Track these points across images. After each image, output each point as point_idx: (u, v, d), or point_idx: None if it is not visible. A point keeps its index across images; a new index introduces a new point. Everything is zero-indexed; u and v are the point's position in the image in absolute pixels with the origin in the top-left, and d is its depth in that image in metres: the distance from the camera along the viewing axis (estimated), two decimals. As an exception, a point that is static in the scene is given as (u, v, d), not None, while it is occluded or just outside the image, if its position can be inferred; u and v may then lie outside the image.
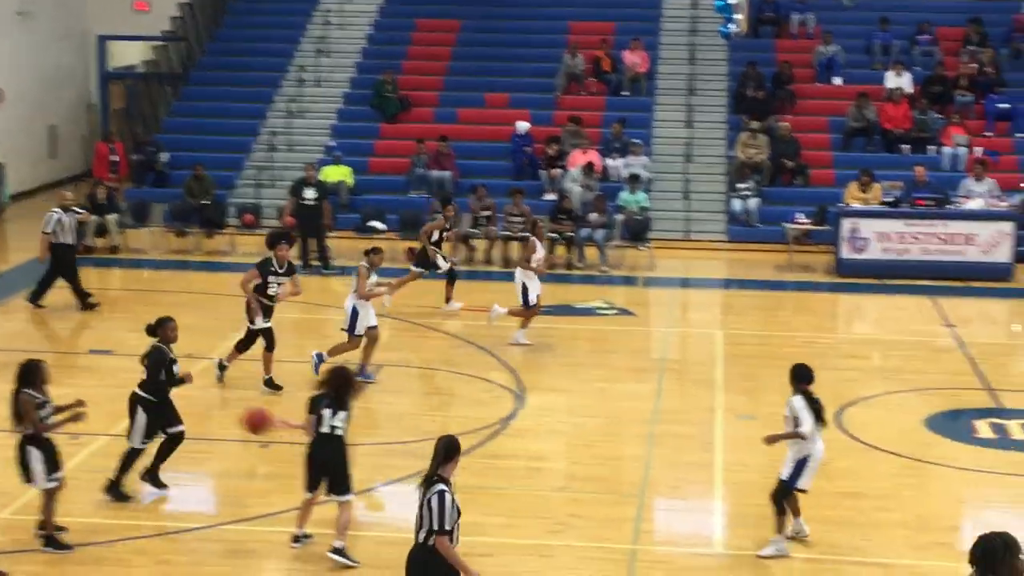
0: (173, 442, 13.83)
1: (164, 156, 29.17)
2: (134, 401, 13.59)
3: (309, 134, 30.46)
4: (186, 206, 27.04)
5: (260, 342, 17.52)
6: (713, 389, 17.88)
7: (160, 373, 13.57)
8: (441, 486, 9.74)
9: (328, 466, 12.26)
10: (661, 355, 20.05)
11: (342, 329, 17.81)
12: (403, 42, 33.06)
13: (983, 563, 7.42)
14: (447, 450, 9.88)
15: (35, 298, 21.71)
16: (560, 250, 25.58)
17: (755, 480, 14.57)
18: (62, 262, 21.65)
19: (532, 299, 19.45)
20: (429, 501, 9.69)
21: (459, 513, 9.81)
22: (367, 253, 18.09)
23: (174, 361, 13.68)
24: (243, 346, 17.68)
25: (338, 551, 12.26)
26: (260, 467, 14.83)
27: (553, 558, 12.37)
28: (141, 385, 13.63)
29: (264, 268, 17.42)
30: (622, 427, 16.58)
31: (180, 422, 13.80)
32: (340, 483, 12.30)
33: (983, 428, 16.43)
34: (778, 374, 18.52)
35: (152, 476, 13.89)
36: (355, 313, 17.60)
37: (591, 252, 25.69)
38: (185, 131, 30.94)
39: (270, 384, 17.31)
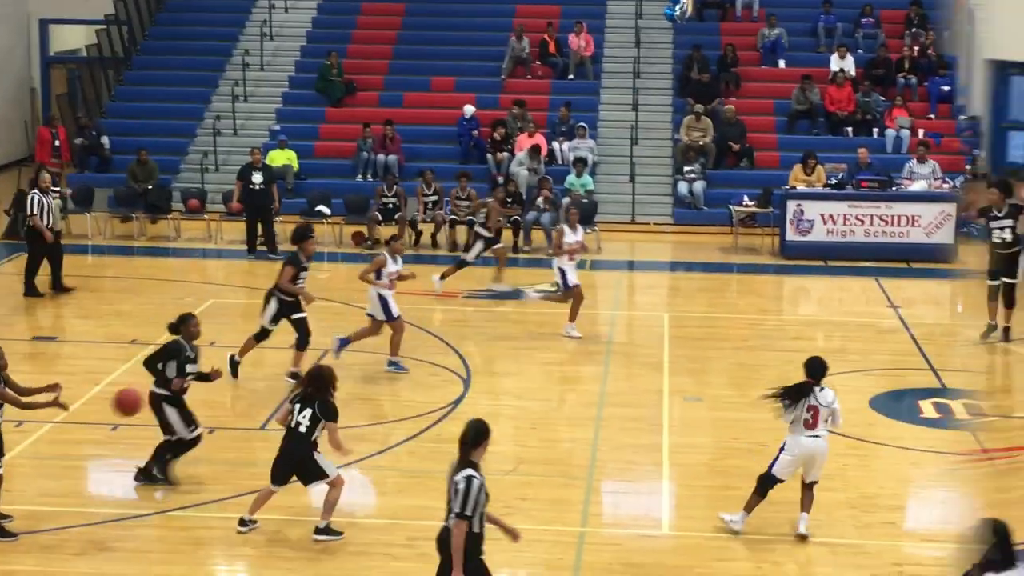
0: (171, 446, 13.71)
1: (104, 140, 28.91)
2: (155, 399, 13.42)
3: (254, 118, 30.30)
4: (130, 191, 26.85)
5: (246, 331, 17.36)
6: (660, 371, 17.95)
7: (162, 364, 13.39)
8: (470, 471, 9.72)
9: (293, 461, 12.27)
10: (608, 338, 20.10)
11: (383, 321, 17.62)
12: (348, 25, 32.93)
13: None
14: (476, 434, 9.85)
15: (57, 286, 21.59)
16: (507, 233, 25.58)
17: (703, 462, 14.68)
18: (36, 245, 21.55)
19: (572, 280, 19.30)
20: (456, 484, 9.69)
21: (487, 498, 9.78)
22: (388, 241, 17.99)
23: (191, 359, 13.46)
24: (302, 343, 17.02)
25: (320, 531, 12.30)
26: (208, 453, 14.72)
27: (502, 541, 12.38)
28: (156, 383, 13.47)
29: (296, 264, 16.99)
30: (570, 410, 16.62)
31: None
32: (310, 475, 12.32)
33: (927, 408, 16.58)
34: (724, 356, 18.71)
35: (146, 473, 13.70)
36: (383, 300, 17.52)
37: (538, 235, 25.71)
38: (129, 116, 30.70)
39: (232, 369, 16.92)
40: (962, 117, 29.16)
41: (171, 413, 13.43)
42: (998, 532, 7.86)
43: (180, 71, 31.70)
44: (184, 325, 13.56)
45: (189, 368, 13.45)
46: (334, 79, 30.35)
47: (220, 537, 12.63)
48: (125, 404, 12.97)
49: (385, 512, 13.20)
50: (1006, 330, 18.57)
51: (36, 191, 21.59)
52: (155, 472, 13.67)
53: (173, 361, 13.39)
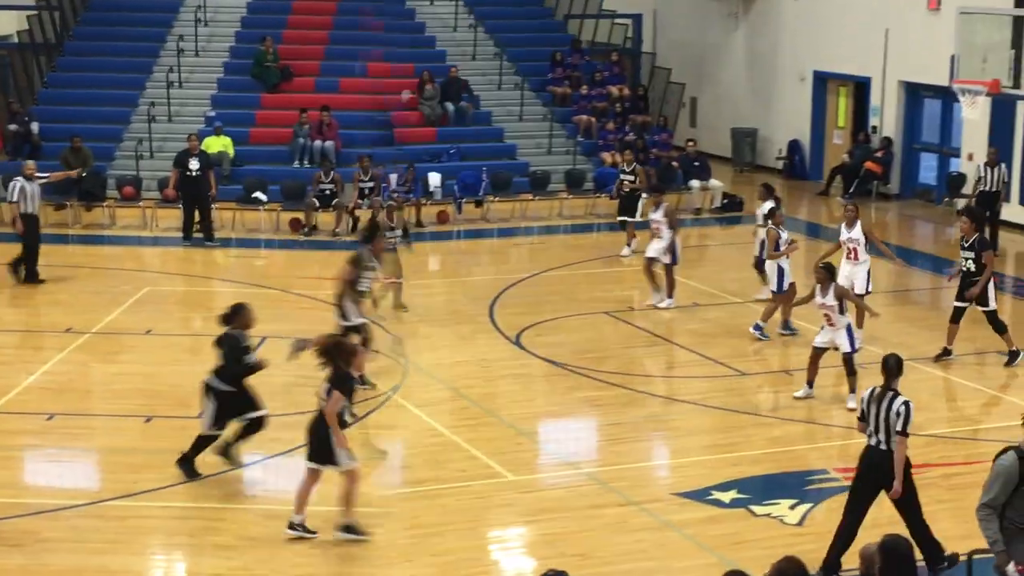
0: (253, 427, 13.50)
1: (34, 126, 28.59)
2: (207, 388, 13.30)
3: (189, 104, 30.07)
4: (64, 179, 26.59)
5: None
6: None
7: (236, 361, 13.25)
8: (904, 397, 11.02)
9: (312, 435, 12.11)
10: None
11: None
12: (283, 11, 32.74)
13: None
14: (899, 363, 11.29)
15: (29, 277, 21.37)
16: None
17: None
18: (26, 232, 21.48)
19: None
20: (898, 409, 11.00)
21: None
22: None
23: (248, 349, 13.36)
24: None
25: (344, 529, 12.10)
26: (144, 442, 14.67)
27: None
28: (215, 372, 13.31)
29: (359, 263, 16.65)
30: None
31: (261, 407, 13.50)
32: (321, 455, 12.03)
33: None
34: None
35: (225, 452, 13.52)
36: None
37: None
38: (61, 102, 30.37)
39: (362, 380, 15.78)
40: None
41: (210, 406, 13.29)
42: (896, 549, 7.99)
43: (113, 57, 31.39)
44: (238, 316, 13.38)
45: (247, 359, 13.28)
46: (269, 65, 30.20)
47: (156, 526, 12.61)
48: None
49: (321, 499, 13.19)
50: (1012, 353, 17.60)
51: (20, 178, 21.53)
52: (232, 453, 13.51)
53: (238, 355, 13.24)
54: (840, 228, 18.38)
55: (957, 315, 17.62)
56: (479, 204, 27.05)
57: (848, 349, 15.60)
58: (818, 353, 15.89)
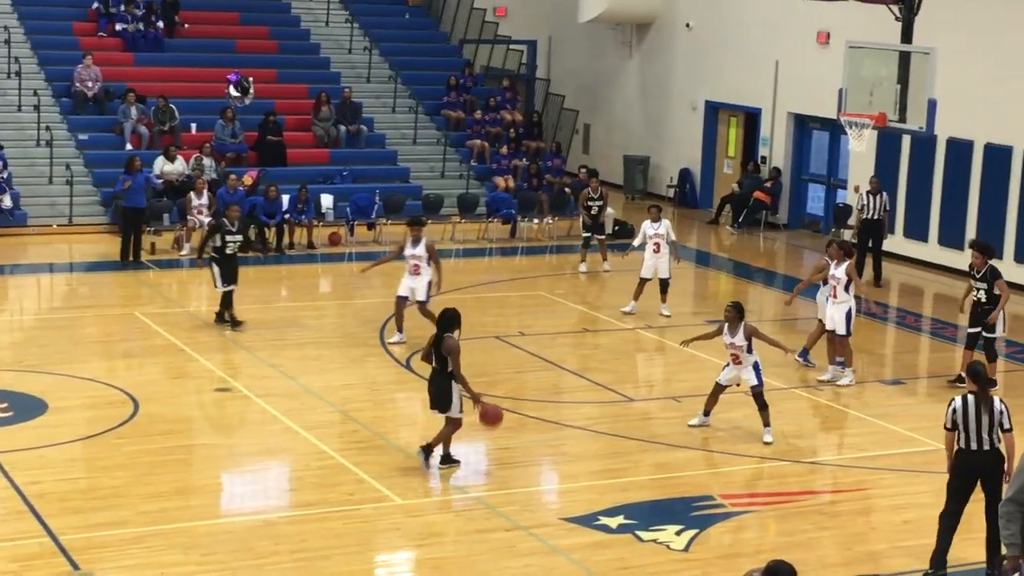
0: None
1: None
2: (450, 379, 14.20)
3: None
4: None
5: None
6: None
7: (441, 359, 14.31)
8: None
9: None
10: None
11: None
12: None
13: None
14: (986, 369, 12.08)
15: None
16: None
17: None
18: None
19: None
20: (1000, 408, 11.68)
21: None
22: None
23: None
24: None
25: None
26: None
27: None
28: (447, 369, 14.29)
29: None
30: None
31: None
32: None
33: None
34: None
35: (446, 457, 14.50)
36: None
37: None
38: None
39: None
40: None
41: (455, 392, 14.26)
42: (779, 575, 8.07)
43: None
44: (455, 322, 14.24)
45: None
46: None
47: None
48: (492, 418, 14.17)
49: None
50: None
51: None
52: (453, 456, 14.50)
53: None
54: (829, 264, 18.12)
55: (971, 341, 17.94)
56: (371, 227, 26.99)
57: (756, 383, 15.57)
58: (720, 388, 15.93)
